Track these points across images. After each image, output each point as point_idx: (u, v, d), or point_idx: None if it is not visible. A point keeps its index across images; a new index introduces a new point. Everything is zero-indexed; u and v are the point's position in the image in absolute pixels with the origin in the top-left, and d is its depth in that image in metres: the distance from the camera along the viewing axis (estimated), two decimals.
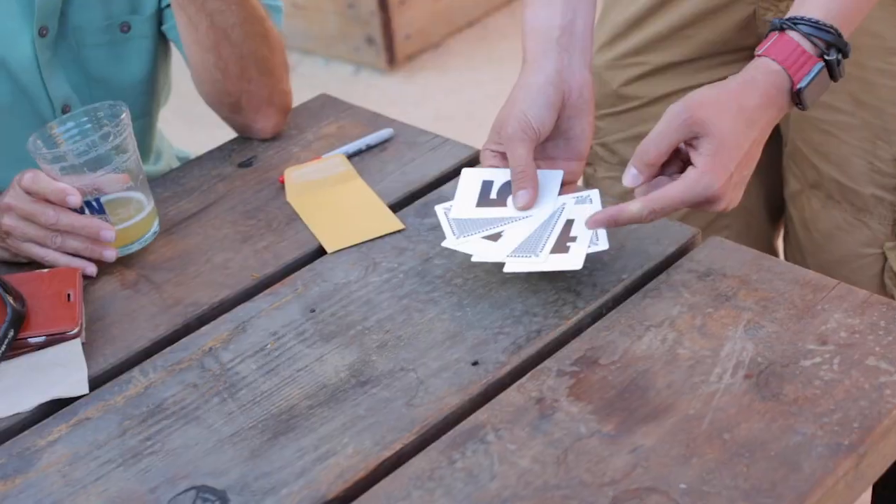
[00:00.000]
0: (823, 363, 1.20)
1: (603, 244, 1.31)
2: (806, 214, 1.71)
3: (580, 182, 1.87)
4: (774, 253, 1.90)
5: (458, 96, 3.68)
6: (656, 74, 1.73)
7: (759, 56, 1.31)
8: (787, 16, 1.32)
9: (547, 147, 1.41)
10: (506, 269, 1.32)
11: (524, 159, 1.35)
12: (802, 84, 1.29)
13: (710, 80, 1.69)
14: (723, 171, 1.27)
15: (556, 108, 1.37)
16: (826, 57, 1.30)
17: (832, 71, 1.31)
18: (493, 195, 1.39)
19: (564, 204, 1.38)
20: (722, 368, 1.21)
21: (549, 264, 1.30)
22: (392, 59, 3.94)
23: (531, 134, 1.36)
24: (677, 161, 1.32)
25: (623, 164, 1.77)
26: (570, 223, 1.33)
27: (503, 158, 1.39)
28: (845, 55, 1.31)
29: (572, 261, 1.30)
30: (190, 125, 1.64)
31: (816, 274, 1.32)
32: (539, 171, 1.38)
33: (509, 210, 1.38)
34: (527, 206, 1.36)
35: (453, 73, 3.87)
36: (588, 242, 1.31)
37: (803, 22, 1.30)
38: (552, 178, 1.39)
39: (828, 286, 1.30)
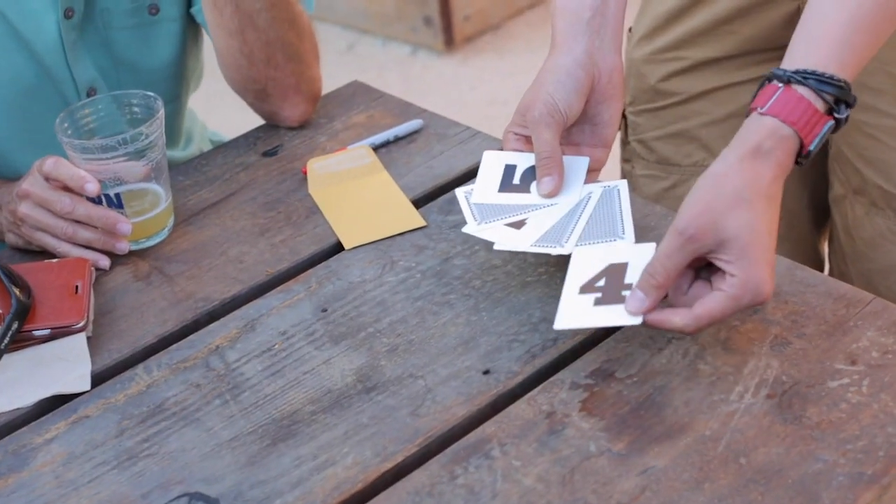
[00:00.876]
0: (851, 385, 1.14)
1: (629, 238, 1.26)
2: (849, 221, 1.64)
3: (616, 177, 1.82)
4: (820, 258, 1.83)
5: (515, 80, 3.62)
6: (696, 70, 1.66)
7: (761, 114, 1.19)
8: (791, 65, 1.20)
9: (572, 132, 1.35)
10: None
11: (550, 144, 1.30)
12: (813, 146, 1.19)
13: (752, 78, 1.63)
14: (764, 266, 1.14)
15: (585, 92, 1.31)
16: (836, 115, 1.19)
17: (837, 126, 1.20)
18: (517, 180, 1.34)
19: (591, 193, 1.32)
20: (744, 387, 1.15)
21: (602, 318, 1.17)
22: (450, 40, 3.88)
23: (558, 118, 1.30)
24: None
25: (661, 162, 1.71)
26: (623, 266, 1.20)
27: (527, 142, 1.34)
28: (852, 106, 1.21)
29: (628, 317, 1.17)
30: (240, 105, 1.61)
31: (851, 287, 1.25)
32: (564, 158, 1.32)
33: (533, 197, 1.32)
34: (552, 194, 1.31)
35: (511, 56, 3.81)
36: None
37: (814, 77, 1.18)
38: (578, 164, 1.33)
39: (863, 301, 1.23)
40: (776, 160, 1.17)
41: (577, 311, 1.14)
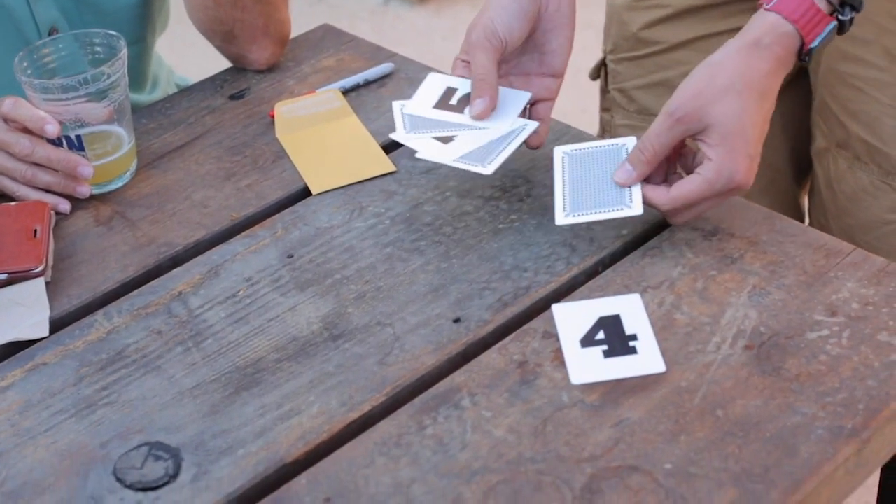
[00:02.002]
0: (831, 336, 1.11)
1: (637, 209, 1.21)
2: (831, 174, 1.61)
3: (597, 129, 1.79)
4: (800, 212, 1.80)
5: None
6: (679, 18, 1.62)
7: (766, 10, 1.20)
8: None
9: (522, 61, 1.34)
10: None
11: (485, 67, 1.28)
12: (814, 45, 1.20)
13: (735, 28, 1.59)
14: (741, 157, 1.18)
15: (531, 18, 1.30)
16: (840, 17, 1.20)
17: (841, 28, 1.21)
18: (454, 101, 1.33)
19: (526, 125, 1.30)
20: (721, 338, 1.12)
21: (621, 371, 1.11)
22: None
23: (496, 43, 1.28)
24: (689, 154, 1.24)
25: (642, 112, 1.68)
26: (616, 318, 1.16)
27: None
28: (858, 10, 1.21)
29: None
30: (208, 52, 1.56)
31: (832, 238, 1.22)
32: (504, 89, 1.31)
33: (464, 118, 1.31)
34: (482, 116, 1.29)
35: None
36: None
37: None
38: (517, 98, 1.32)
39: (843, 251, 1.20)
40: (774, 55, 1.19)
41: (590, 366, 1.10)
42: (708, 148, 1.18)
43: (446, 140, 1.28)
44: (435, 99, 1.33)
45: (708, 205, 1.21)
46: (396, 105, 1.34)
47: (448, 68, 1.37)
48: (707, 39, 1.62)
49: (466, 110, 1.30)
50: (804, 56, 1.20)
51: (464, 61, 1.32)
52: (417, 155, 1.28)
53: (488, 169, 1.24)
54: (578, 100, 2.76)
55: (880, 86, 1.51)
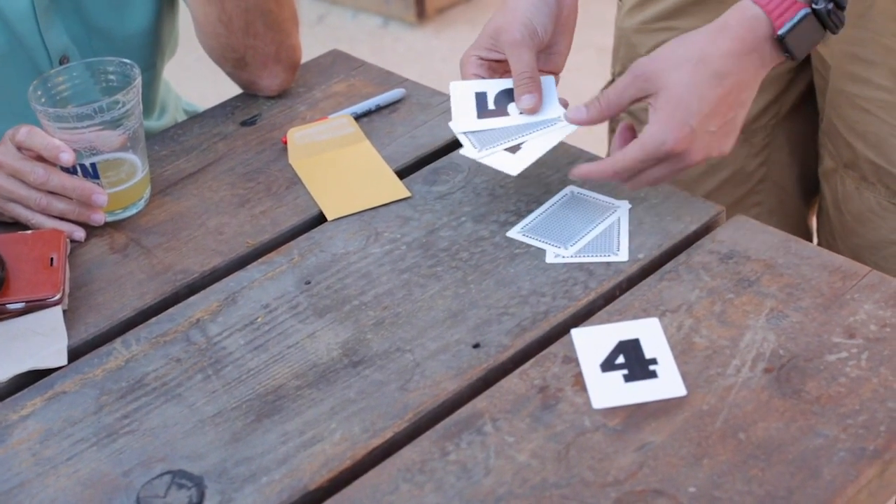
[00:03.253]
0: (850, 358, 1.11)
1: (623, 256, 1.27)
2: (839, 195, 1.61)
3: (605, 149, 1.79)
4: (808, 232, 1.80)
5: None
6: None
7: None
8: None
9: None
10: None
11: (529, 64, 1.33)
12: (783, 31, 1.21)
13: None
14: (676, 124, 1.21)
15: (554, 21, 1.35)
16: (814, 5, 1.21)
17: (823, 21, 1.22)
18: (491, 106, 1.35)
19: (563, 114, 1.34)
20: (741, 360, 1.12)
21: (642, 395, 1.12)
22: (422, 11, 3.84)
23: (536, 41, 1.34)
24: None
25: None
26: (635, 342, 1.17)
27: (489, 68, 1.37)
28: (839, 5, 1.22)
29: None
30: (216, 75, 1.57)
31: (847, 260, 1.23)
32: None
33: (514, 118, 1.34)
34: (533, 110, 1.33)
35: None
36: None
37: None
38: (548, 83, 1.36)
39: (858, 273, 1.21)
40: (738, 36, 1.22)
41: (611, 391, 1.11)
42: (651, 112, 1.22)
43: (515, 149, 1.31)
44: (473, 109, 1.35)
45: (656, 172, 1.25)
46: (453, 126, 1.35)
47: (447, 89, 1.38)
48: None
49: (510, 108, 1.34)
50: (786, 47, 1.21)
51: (482, 59, 1.36)
52: (510, 172, 1.30)
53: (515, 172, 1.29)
54: None
55: (887, 107, 1.52)
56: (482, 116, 1.34)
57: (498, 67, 1.37)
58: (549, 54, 1.38)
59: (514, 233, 1.31)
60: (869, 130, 1.53)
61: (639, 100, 1.26)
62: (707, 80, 1.22)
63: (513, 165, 1.30)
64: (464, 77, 1.37)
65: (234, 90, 1.65)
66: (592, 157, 1.41)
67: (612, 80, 1.75)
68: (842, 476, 1.00)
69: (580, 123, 1.29)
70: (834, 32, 1.24)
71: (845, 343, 1.13)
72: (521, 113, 1.33)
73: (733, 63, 1.22)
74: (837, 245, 1.64)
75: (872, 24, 1.46)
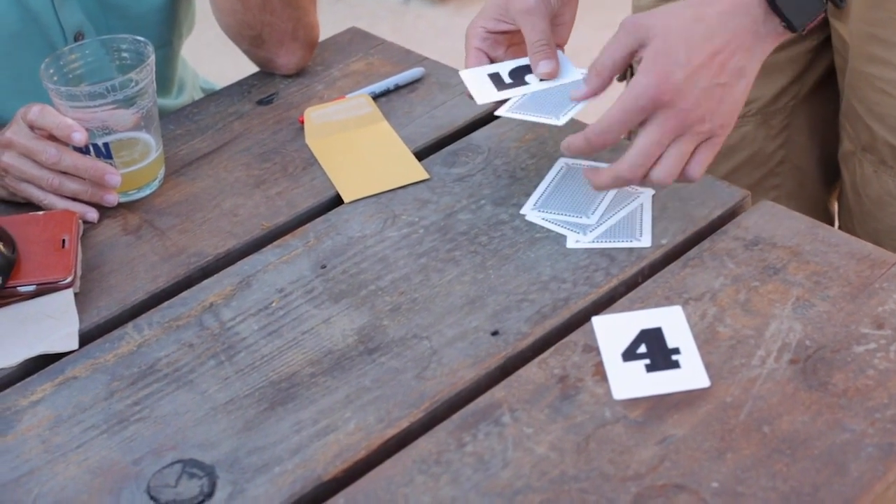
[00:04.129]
0: (878, 350, 1.08)
1: (645, 242, 1.24)
2: (857, 178, 1.58)
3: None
4: (829, 216, 1.77)
5: None
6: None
7: None
8: None
9: None
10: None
11: (544, 32, 1.31)
12: None
13: None
14: (662, 73, 1.17)
15: None
16: None
17: None
18: (508, 80, 1.32)
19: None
20: (766, 351, 1.09)
21: (664, 385, 1.09)
22: None
23: (549, 9, 1.32)
24: None
25: None
26: (657, 331, 1.14)
27: (494, 42, 1.34)
28: None
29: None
30: (236, 52, 1.54)
31: (876, 248, 1.20)
32: None
33: (534, 84, 1.31)
34: (552, 75, 1.31)
35: None
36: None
37: None
38: (560, 55, 1.34)
39: (887, 262, 1.18)
40: None
41: (633, 381, 1.08)
42: (639, 64, 1.19)
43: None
44: (492, 86, 1.31)
45: (670, 151, 1.19)
46: (479, 99, 1.32)
47: None
48: None
49: (529, 77, 1.31)
50: (780, 13, 1.18)
51: (489, 31, 1.34)
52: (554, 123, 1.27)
53: (561, 121, 1.25)
54: (601, 98, 2.73)
55: None
56: (502, 90, 1.31)
57: (504, 40, 1.34)
58: (555, 25, 1.35)
59: (529, 211, 1.29)
60: (888, 113, 1.50)
61: (632, 55, 1.22)
62: (699, 34, 1.18)
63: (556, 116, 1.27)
64: (468, 50, 1.34)
65: (254, 67, 1.62)
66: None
67: (630, 66, 1.72)
68: (869, 472, 0.98)
69: (585, 98, 1.26)
70: (837, 6, 1.20)
71: (873, 334, 1.10)
72: (540, 80, 1.30)
73: (726, 20, 1.18)
74: (856, 229, 1.61)
75: (891, 3, 1.43)
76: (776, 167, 1.68)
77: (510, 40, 1.34)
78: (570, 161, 1.34)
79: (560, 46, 1.35)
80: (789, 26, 1.18)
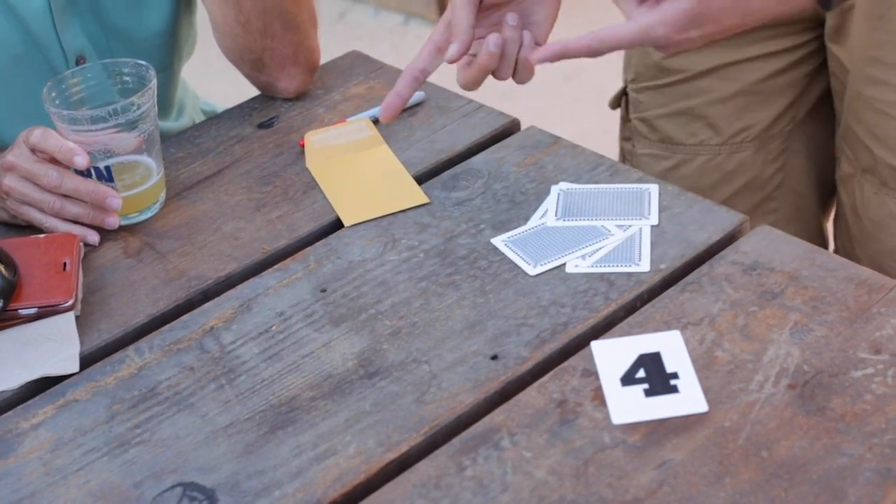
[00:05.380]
0: (876, 375, 1.09)
1: (644, 266, 1.24)
2: (857, 200, 1.59)
3: (617, 156, 1.77)
4: (825, 238, 1.78)
5: None
6: (703, 46, 1.60)
7: None
8: None
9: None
10: None
11: (466, 20, 1.25)
12: None
13: (760, 54, 1.58)
14: (682, 32, 1.18)
15: None
16: None
17: None
18: None
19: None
20: (764, 376, 1.10)
21: (664, 410, 1.09)
22: (443, 8, 3.81)
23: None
24: None
25: (664, 141, 1.66)
26: (656, 356, 1.14)
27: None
28: None
29: None
30: (237, 73, 1.55)
31: (874, 273, 1.20)
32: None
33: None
34: (454, 59, 1.26)
35: None
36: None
37: None
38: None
39: (885, 286, 1.18)
40: None
41: (632, 406, 1.08)
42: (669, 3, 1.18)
43: None
44: None
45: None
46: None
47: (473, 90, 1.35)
48: (731, 67, 1.61)
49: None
50: None
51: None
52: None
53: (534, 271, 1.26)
54: (599, 121, 2.75)
55: None
56: None
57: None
58: (527, 23, 1.30)
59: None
60: (889, 135, 1.51)
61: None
62: (735, 12, 1.19)
63: None
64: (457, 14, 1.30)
65: (255, 90, 1.63)
66: (613, 164, 1.38)
67: (625, 88, 1.73)
68: (867, 498, 0.98)
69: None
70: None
71: (871, 359, 1.10)
72: (446, 61, 1.28)
73: (763, 5, 1.19)
74: (855, 251, 1.62)
75: (892, 25, 1.44)
76: (773, 191, 1.69)
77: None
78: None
79: (538, 45, 1.30)
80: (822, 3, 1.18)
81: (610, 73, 2.50)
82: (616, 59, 2.26)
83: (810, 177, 1.72)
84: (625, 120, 1.75)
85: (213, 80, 2.65)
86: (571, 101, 3.36)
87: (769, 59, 1.60)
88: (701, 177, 1.67)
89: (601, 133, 2.61)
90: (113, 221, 1.37)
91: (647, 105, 1.69)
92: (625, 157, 1.75)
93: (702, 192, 1.39)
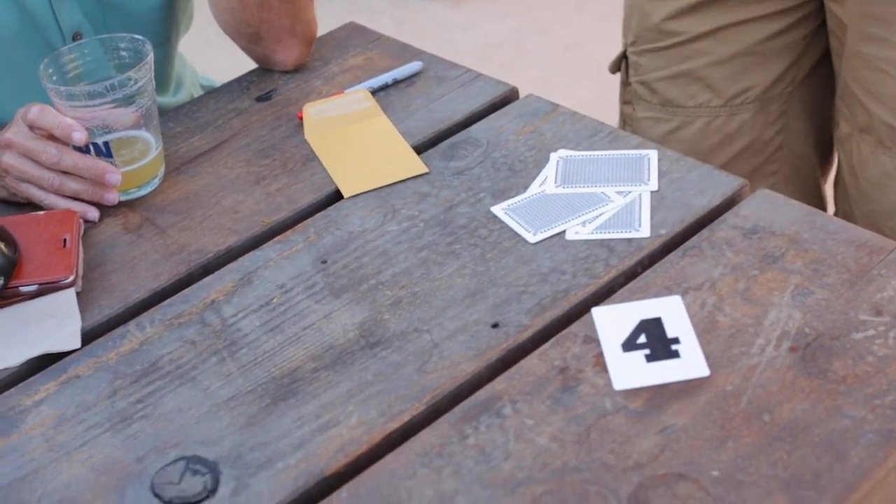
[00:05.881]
0: (877, 336, 1.09)
1: (644, 232, 1.24)
2: (854, 160, 1.58)
3: (616, 122, 1.76)
4: (824, 199, 1.78)
5: (508, 23, 3.54)
6: (702, 8, 1.60)
7: None
8: None
9: None
10: None
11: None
12: None
13: (759, 16, 1.57)
14: None
15: None
16: None
17: None
18: None
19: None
20: (765, 339, 1.10)
21: (665, 375, 1.08)
22: None
23: None
24: None
25: (665, 104, 1.66)
26: (657, 321, 1.14)
27: None
28: None
29: None
30: (234, 48, 1.55)
31: (874, 235, 1.20)
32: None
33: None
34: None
35: None
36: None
37: None
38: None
39: (885, 248, 1.18)
40: None
41: (633, 371, 1.08)
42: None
43: None
44: None
45: None
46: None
47: (472, 61, 1.35)
48: (731, 28, 1.60)
49: None
50: None
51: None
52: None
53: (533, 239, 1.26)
54: (599, 90, 2.74)
55: None
56: None
57: None
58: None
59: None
60: (885, 92, 1.50)
61: None
62: None
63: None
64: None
65: (253, 63, 1.62)
66: (612, 130, 1.38)
67: (625, 51, 1.72)
68: (869, 459, 0.98)
69: None
70: None
71: (872, 321, 1.10)
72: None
73: None
74: (853, 211, 1.61)
75: None
76: (773, 154, 1.68)
77: None
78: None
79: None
80: None
81: (608, 43, 2.49)
82: (614, 29, 2.26)
83: (809, 139, 1.72)
84: (625, 83, 1.75)
85: (210, 56, 2.64)
86: (570, 72, 3.35)
87: (768, 21, 1.59)
88: (701, 139, 1.66)
89: (602, 102, 2.60)
90: (112, 197, 1.37)
91: (647, 68, 1.69)
92: (625, 121, 1.75)
93: (702, 155, 1.39)
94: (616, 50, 1.77)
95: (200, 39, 2.19)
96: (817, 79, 1.66)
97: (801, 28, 1.61)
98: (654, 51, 1.67)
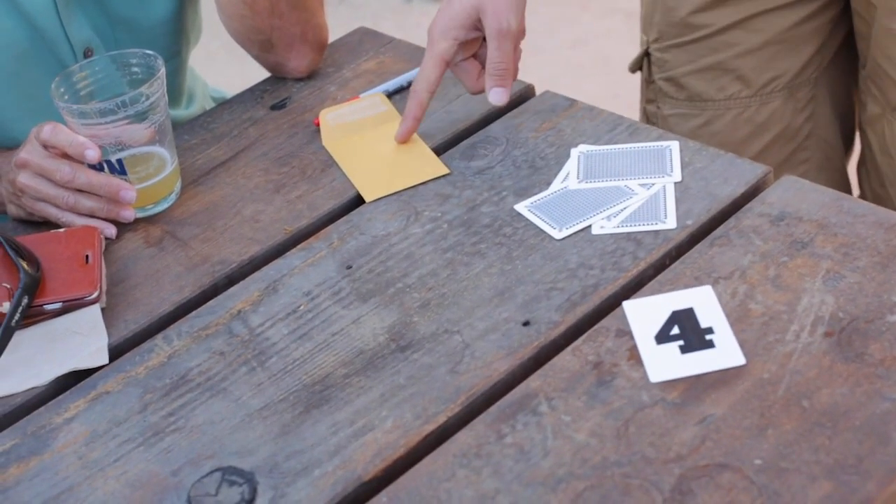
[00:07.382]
0: None
1: (670, 223, 1.23)
2: (887, 140, 1.57)
3: (638, 117, 1.75)
4: (849, 183, 1.76)
5: None
6: (727, 1, 1.59)
7: None
8: None
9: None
10: None
11: (511, 55, 1.36)
12: None
13: (786, 3, 1.56)
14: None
15: None
16: None
17: None
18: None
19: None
20: (799, 325, 1.09)
21: (701, 366, 1.08)
22: None
23: (521, 36, 1.36)
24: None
25: (693, 98, 1.65)
26: (689, 312, 1.13)
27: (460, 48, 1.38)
28: None
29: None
30: (241, 61, 1.55)
31: None
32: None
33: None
34: (501, 103, 1.38)
35: None
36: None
37: None
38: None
39: None
40: None
41: (668, 363, 1.07)
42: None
43: None
44: None
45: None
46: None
47: None
48: (758, 18, 1.59)
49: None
50: None
51: (459, 42, 1.39)
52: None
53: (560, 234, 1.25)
54: (609, 87, 2.73)
55: None
56: None
57: (467, 47, 1.37)
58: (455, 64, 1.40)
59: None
60: None
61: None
62: None
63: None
64: (434, 57, 1.38)
65: (261, 75, 1.62)
66: (632, 123, 1.37)
67: (647, 50, 1.71)
68: None
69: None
70: None
71: None
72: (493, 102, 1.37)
73: None
74: (887, 192, 1.60)
75: None
76: (804, 141, 1.67)
77: (470, 48, 1.37)
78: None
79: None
80: None
81: (615, 39, 2.48)
82: (619, 25, 2.25)
83: (835, 123, 1.71)
84: (648, 82, 1.74)
85: (217, 69, 2.63)
86: (578, 69, 3.34)
87: (796, 7, 1.58)
88: (733, 132, 1.65)
89: (611, 98, 2.60)
90: (128, 214, 1.36)
91: (673, 63, 1.68)
92: (649, 119, 1.74)
93: (733, 148, 1.38)
94: (623, 46, 1.76)
95: (207, 53, 2.18)
96: (839, 63, 1.66)
97: (827, 12, 1.60)
98: (680, 45, 1.66)
